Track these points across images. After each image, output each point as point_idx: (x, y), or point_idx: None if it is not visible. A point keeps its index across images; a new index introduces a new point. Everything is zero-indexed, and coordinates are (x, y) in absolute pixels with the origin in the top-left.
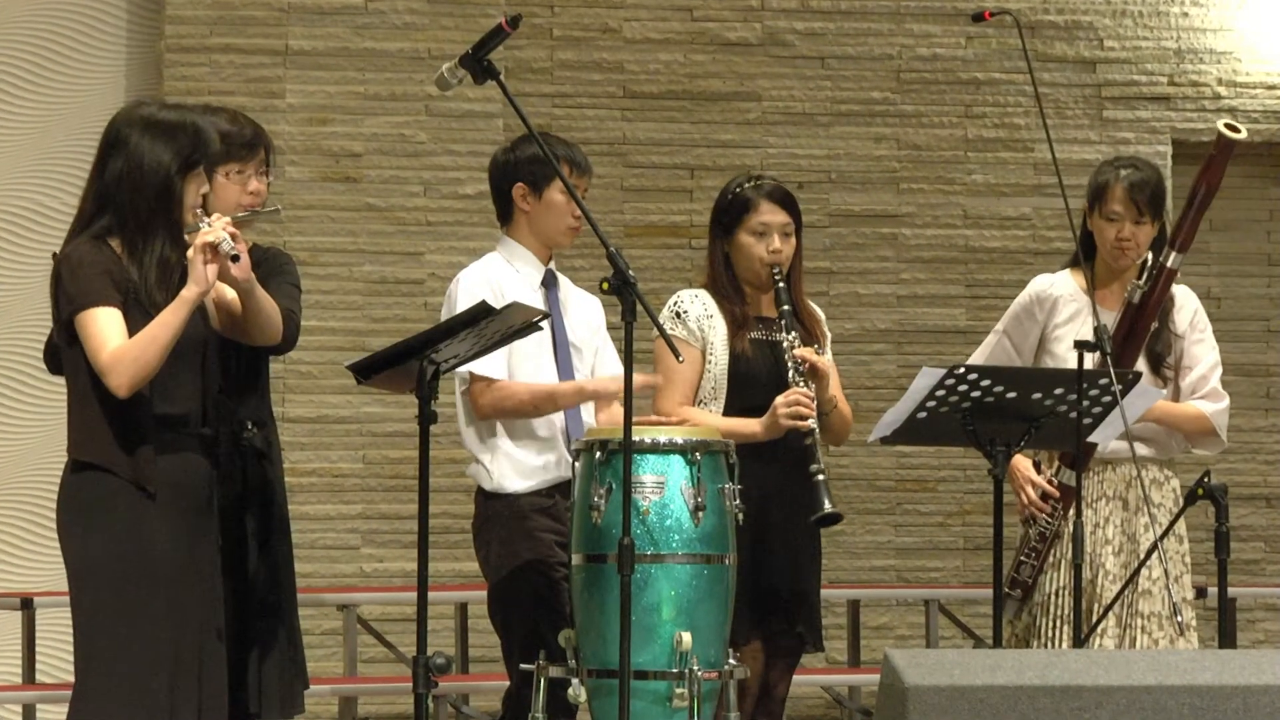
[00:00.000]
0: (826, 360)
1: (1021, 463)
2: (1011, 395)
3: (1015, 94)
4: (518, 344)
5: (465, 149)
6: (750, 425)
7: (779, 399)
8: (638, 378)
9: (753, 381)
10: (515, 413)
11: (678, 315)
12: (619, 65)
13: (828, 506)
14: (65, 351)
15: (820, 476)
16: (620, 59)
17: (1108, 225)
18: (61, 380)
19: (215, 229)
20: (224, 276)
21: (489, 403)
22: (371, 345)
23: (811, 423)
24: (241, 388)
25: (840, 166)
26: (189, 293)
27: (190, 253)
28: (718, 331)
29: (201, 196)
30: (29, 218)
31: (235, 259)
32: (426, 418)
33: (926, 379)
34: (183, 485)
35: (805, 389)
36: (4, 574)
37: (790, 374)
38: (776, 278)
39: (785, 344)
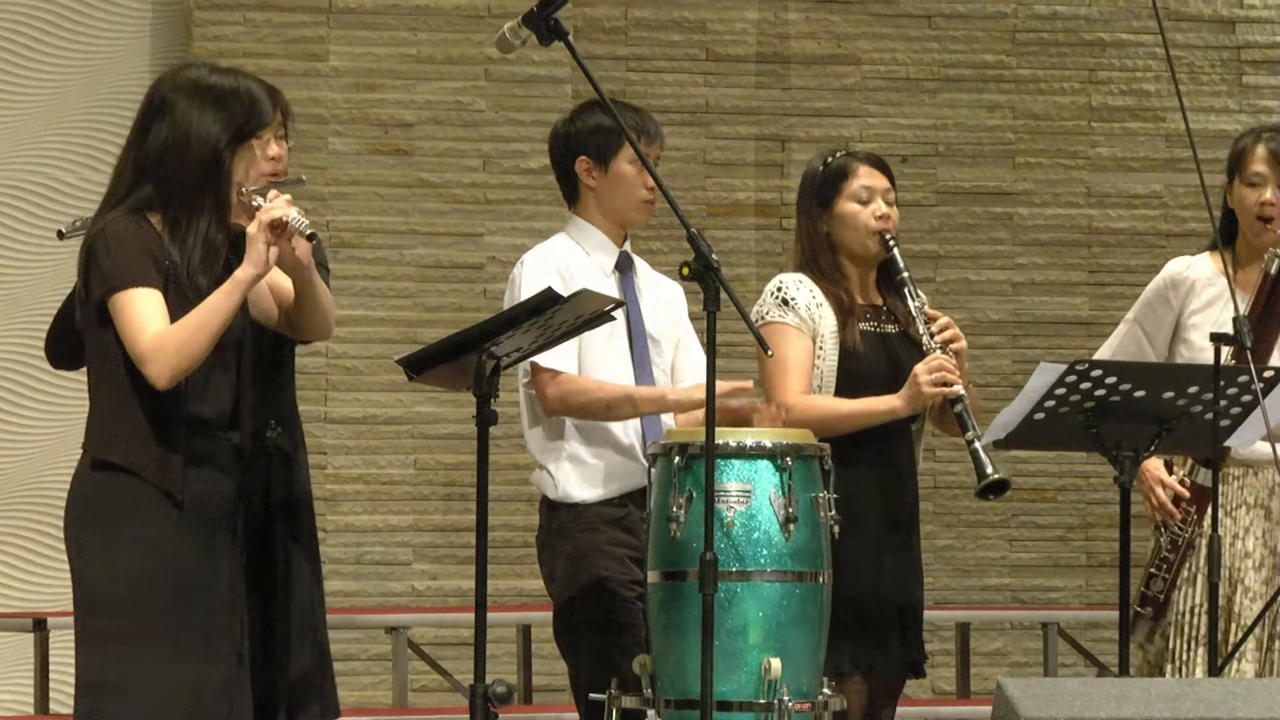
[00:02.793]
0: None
1: (1152, 462)
2: (1140, 394)
3: (1145, 57)
4: (588, 335)
5: (529, 118)
6: (887, 402)
7: (919, 366)
8: (723, 385)
9: (865, 379)
10: (584, 411)
11: (785, 303)
12: (701, 24)
13: (991, 472)
14: (94, 335)
15: (977, 444)
16: (702, 17)
17: (1249, 192)
18: (76, 376)
19: (279, 204)
20: (282, 262)
21: (556, 396)
22: (424, 337)
23: (959, 388)
24: (265, 380)
25: (949, 138)
26: (244, 274)
27: (251, 229)
28: (826, 321)
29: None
30: (39, 194)
31: (311, 237)
32: (485, 418)
33: (1045, 376)
34: (209, 496)
35: (944, 355)
36: (14, 592)
37: (925, 340)
38: (890, 242)
39: (914, 307)
